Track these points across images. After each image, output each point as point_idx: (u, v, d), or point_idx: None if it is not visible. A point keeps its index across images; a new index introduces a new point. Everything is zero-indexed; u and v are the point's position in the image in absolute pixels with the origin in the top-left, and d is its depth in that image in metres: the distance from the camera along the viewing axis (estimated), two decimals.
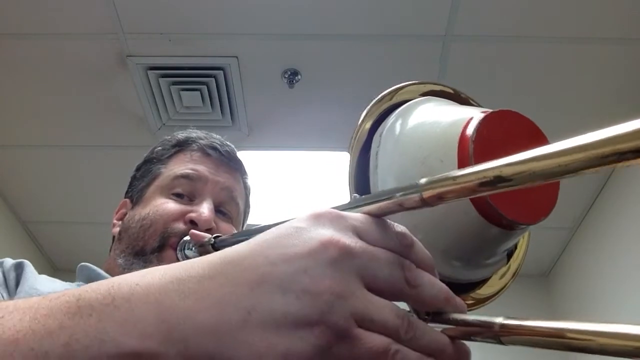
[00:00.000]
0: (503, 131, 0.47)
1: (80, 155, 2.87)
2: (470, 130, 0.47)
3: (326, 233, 0.39)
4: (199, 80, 2.49)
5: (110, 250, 1.02)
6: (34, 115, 2.66)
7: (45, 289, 0.78)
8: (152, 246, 0.92)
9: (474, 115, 0.49)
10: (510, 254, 0.58)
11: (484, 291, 0.56)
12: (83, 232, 3.31)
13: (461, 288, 0.56)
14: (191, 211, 0.94)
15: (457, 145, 0.47)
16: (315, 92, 2.54)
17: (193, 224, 0.92)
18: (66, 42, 2.36)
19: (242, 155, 1.11)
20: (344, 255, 0.38)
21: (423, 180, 0.40)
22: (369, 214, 0.43)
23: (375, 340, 0.37)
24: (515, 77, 2.44)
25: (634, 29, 2.22)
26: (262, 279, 0.38)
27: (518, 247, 0.59)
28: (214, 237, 0.80)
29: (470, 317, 0.41)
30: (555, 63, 2.37)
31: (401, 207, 0.42)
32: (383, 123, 0.55)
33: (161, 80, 2.49)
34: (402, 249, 0.41)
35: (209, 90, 2.52)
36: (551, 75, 2.43)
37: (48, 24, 2.29)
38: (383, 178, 0.51)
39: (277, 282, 0.38)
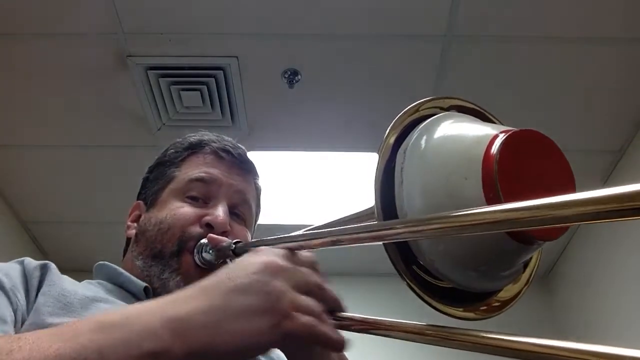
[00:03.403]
0: (525, 151, 0.48)
1: (80, 155, 2.86)
2: (494, 150, 0.48)
3: (265, 258, 0.61)
4: (199, 80, 2.49)
5: (124, 252, 1.04)
6: (34, 115, 2.65)
7: (73, 297, 0.81)
8: (171, 250, 0.93)
9: (497, 133, 0.50)
10: (525, 265, 0.59)
11: (504, 294, 0.58)
12: (83, 232, 3.31)
13: (478, 296, 0.57)
14: (207, 214, 0.95)
15: (481, 163, 0.48)
16: (315, 92, 2.54)
17: (209, 227, 0.94)
18: (66, 42, 2.36)
19: None
20: (279, 270, 0.60)
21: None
22: (289, 248, 0.65)
23: (306, 318, 0.58)
24: (515, 77, 2.45)
25: (634, 29, 2.23)
26: (229, 290, 0.58)
27: (533, 257, 0.59)
28: (234, 243, 0.82)
29: (356, 315, 0.65)
30: (556, 63, 2.38)
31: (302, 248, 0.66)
32: (407, 138, 0.56)
33: (161, 80, 2.48)
34: (312, 268, 0.64)
35: (209, 90, 2.51)
36: (551, 76, 2.43)
37: (48, 24, 2.29)
38: (408, 193, 0.52)
39: (239, 289, 0.58)
